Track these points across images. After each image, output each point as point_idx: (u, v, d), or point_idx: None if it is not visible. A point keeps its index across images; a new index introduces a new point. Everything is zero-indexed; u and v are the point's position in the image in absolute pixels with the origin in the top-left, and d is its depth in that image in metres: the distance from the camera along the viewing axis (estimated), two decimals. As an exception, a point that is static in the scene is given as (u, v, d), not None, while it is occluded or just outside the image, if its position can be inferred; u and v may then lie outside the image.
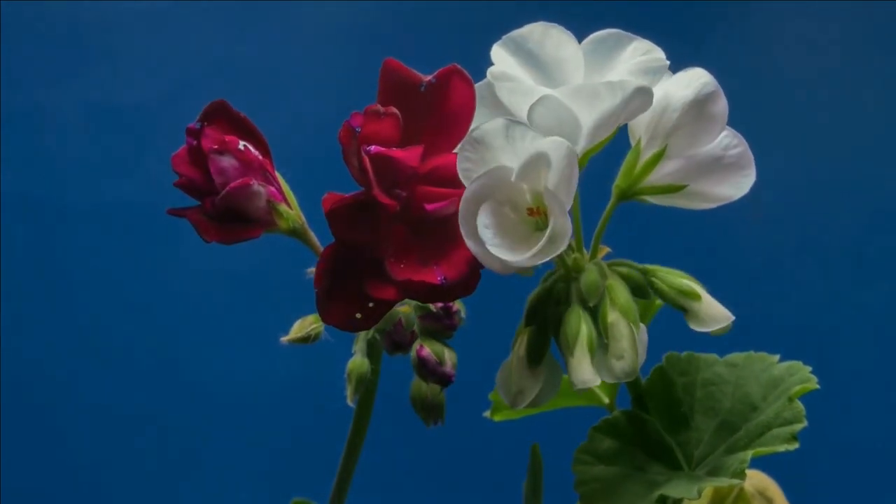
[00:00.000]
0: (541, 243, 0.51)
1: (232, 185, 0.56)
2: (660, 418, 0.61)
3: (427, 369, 0.60)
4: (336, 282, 0.53)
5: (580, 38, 0.56)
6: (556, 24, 0.55)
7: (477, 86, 0.55)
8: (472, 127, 0.53)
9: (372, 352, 0.61)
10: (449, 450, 1.28)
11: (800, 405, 0.57)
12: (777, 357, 0.61)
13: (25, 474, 1.34)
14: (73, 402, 1.35)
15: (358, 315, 0.53)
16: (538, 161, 0.51)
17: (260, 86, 1.38)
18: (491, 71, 0.54)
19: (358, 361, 0.61)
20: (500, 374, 0.59)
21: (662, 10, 1.34)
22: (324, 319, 0.54)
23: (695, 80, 0.55)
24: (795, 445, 0.56)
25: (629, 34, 0.55)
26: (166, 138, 1.33)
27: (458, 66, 0.55)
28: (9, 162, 1.37)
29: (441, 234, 0.53)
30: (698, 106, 0.55)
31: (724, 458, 0.58)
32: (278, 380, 1.33)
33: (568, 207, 0.51)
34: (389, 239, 0.53)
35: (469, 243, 0.51)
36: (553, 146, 0.51)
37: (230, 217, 0.57)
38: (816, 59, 1.39)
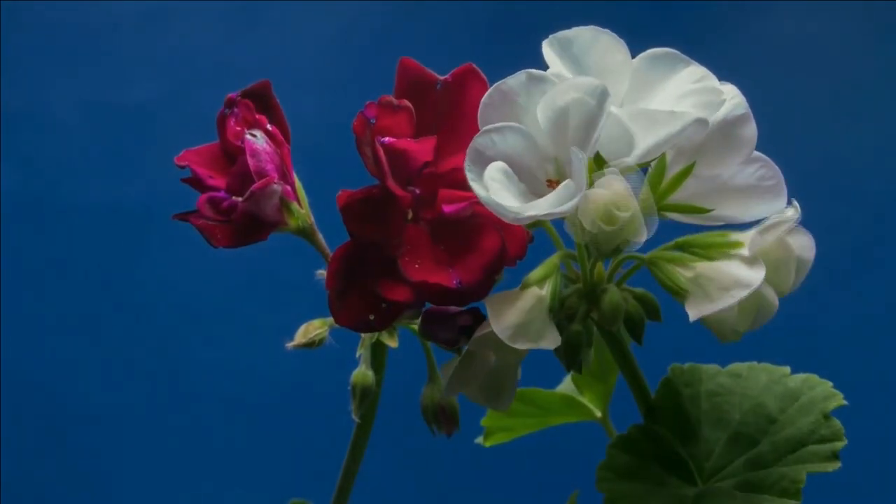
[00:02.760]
0: (557, 190, 0.49)
1: (254, 186, 0.55)
2: (670, 431, 0.60)
3: (447, 315, 0.56)
4: (348, 283, 0.53)
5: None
6: (607, 31, 0.54)
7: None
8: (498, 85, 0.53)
9: (375, 358, 0.61)
10: (452, 454, 1.28)
11: (837, 423, 0.57)
12: (787, 369, 0.61)
13: (25, 474, 1.34)
14: (73, 401, 1.35)
15: (371, 317, 0.53)
16: (560, 119, 0.51)
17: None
18: (549, 72, 0.54)
19: (361, 374, 0.60)
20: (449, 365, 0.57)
21: (664, 9, 1.34)
22: (336, 320, 0.53)
23: (727, 99, 0.54)
24: (837, 464, 0.56)
25: (685, 57, 0.54)
26: (166, 138, 1.34)
27: (474, 66, 0.55)
28: (9, 162, 1.37)
29: (458, 237, 0.53)
30: (727, 127, 0.54)
31: (754, 474, 0.57)
32: (279, 380, 1.33)
33: (588, 153, 0.49)
34: (405, 238, 0.53)
35: (474, 186, 0.50)
36: (580, 89, 0.50)
37: (245, 220, 0.56)
38: (818, 58, 1.39)
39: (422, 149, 0.53)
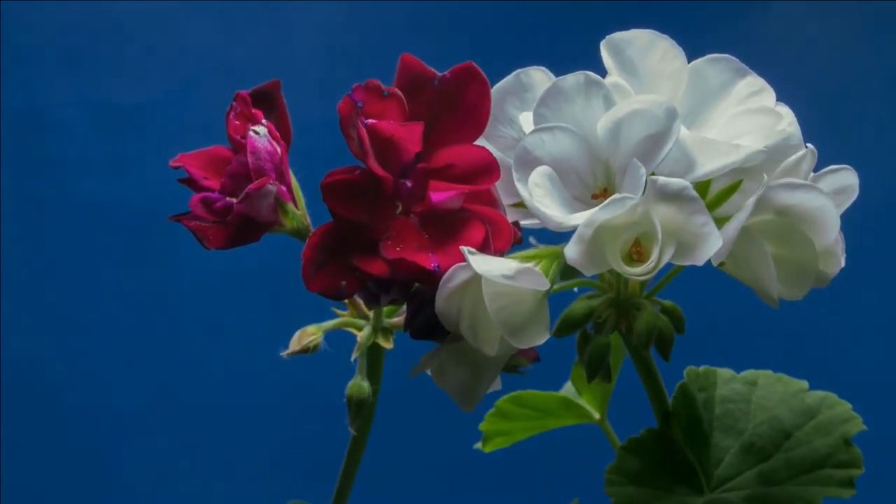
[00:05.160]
0: (606, 203, 0.48)
1: (250, 187, 0.55)
2: (683, 434, 0.59)
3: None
4: (327, 257, 0.53)
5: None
6: (665, 36, 0.53)
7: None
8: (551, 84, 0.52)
9: (372, 362, 0.61)
10: (451, 454, 1.28)
11: (857, 449, 0.56)
12: (805, 383, 0.60)
13: (25, 473, 1.34)
14: (73, 401, 1.35)
15: (343, 282, 0.53)
16: (621, 127, 0.50)
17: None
18: (607, 81, 0.53)
19: (357, 385, 0.60)
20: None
21: (665, 9, 1.34)
22: (308, 287, 0.53)
23: (783, 127, 0.53)
24: (853, 492, 0.55)
25: (743, 66, 0.54)
26: (166, 138, 1.33)
27: (474, 64, 0.55)
28: (9, 162, 1.37)
29: (444, 227, 0.53)
30: (778, 153, 0.52)
31: (766, 489, 0.57)
32: (278, 381, 1.33)
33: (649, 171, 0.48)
34: (392, 227, 0.53)
35: (519, 187, 0.50)
36: (648, 102, 0.49)
37: (239, 221, 0.56)
38: (818, 58, 1.39)
39: (409, 136, 0.53)
